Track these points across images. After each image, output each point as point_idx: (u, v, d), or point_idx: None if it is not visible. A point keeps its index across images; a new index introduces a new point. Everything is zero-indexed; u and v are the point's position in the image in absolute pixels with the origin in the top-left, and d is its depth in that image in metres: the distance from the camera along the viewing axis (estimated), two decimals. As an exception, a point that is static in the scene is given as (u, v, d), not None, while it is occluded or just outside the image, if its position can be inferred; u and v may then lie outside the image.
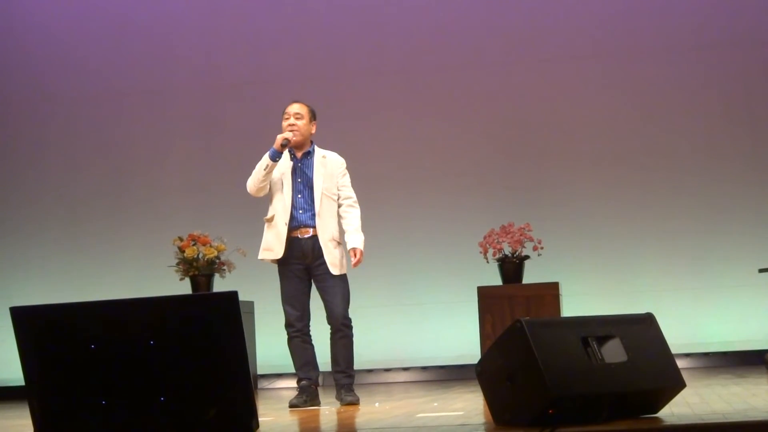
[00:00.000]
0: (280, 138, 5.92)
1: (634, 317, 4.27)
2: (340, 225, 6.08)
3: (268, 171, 5.94)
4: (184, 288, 8.37)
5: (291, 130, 5.99)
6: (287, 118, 6.05)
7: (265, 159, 5.93)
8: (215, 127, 9.90)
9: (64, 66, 10.15)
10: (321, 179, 6.02)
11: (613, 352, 4.01)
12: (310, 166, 6.04)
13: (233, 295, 3.82)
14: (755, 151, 9.07)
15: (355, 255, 5.97)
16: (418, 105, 9.62)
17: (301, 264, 5.98)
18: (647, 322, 4.25)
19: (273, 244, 5.99)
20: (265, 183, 5.98)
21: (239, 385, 3.81)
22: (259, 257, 6.09)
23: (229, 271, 8.46)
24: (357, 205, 6.10)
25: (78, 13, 10.22)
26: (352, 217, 6.06)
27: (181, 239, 8.43)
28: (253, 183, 6.00)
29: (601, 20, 9.43)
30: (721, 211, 9.02)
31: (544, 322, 4.05)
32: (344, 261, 6.05)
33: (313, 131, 6.13)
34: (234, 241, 8.45)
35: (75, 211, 9.94)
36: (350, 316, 6.01)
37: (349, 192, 6.10)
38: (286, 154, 6.00)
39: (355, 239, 5.99)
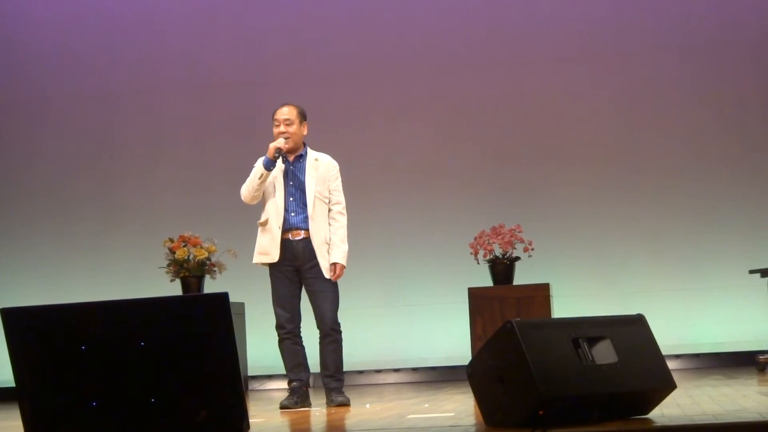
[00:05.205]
0: (272, 147, 5.90)
1: (625, 318, 4.28)
2: (331, 227, 6.09)
3: (263, 180, 5.93)
4: (175, 289, 8.36)
5: (283, 138, 5.98)
6: (277, 125, 6.02)
7: (259, 168, 5.92)
8: (206, 129, 9.89)
9: (55, 67, 10.13)
10: (313, 182, 6.01)
11: (604, 353, 4.01)
12: (302, 170, 6.03)
13: (224, 296, 3.81)
14: (745, 153, 9.09)
15: (334, 270, 5.97)
16: (409, 107, 9.62)
17: (292, 266, 5.98)
18: (638, 323, 4.26)
19: (268, 247, 5.98)
20: (260, 192, 5.97)
21: (230, 387, 3.81)
22: (254, 261, 6.08)
23: (220, 272, 8.44)
24: (345, 212, 6.08)
25: (70, 13, 10.19)
26: (338, 226, 6.03)
27: (171, 240, 8.41)
28: (247, 191, 5.99)
29: (590, 22, 9.44)
30: (712, 213, 9.04)
31: (535, 324, 4.05)
32: (336, 265, 6.06)
33: (305, 132, 6.11)
34: (225, 243, 8.43)
35: (66, 212, 9.92)
36: (340, 320, 6.02)
37: (339, 197, 6.08)
38: (279, 156, 6.00)
39: (337, 253, 5.97)
